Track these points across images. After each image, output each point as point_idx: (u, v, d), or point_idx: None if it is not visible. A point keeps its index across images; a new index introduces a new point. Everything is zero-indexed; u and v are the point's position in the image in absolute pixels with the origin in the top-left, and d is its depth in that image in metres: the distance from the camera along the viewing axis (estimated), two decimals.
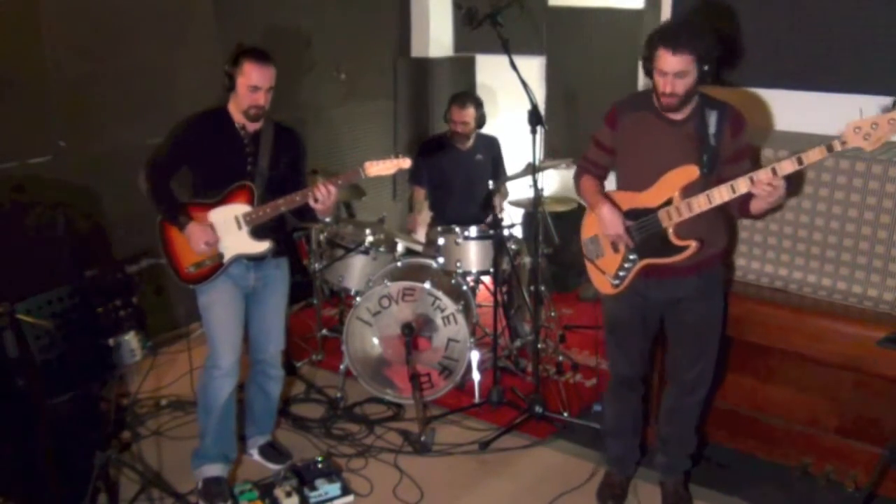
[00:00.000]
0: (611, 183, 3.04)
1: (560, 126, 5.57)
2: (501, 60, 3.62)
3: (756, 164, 2.82)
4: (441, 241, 4.15)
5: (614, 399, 3.23)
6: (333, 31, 5.40)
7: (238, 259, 3.14)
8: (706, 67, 2.64)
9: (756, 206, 2.70)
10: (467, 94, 4.65)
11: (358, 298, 4.01)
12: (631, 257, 2.90)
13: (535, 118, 3.48)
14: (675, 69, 2.62)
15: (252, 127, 3.13)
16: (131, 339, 3.02)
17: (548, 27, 5.61)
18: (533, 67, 5.56)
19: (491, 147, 4.73)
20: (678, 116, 2.76)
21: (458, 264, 4.14)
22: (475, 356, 3.96)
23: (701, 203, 2.71)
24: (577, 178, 3.08)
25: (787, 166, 2.54)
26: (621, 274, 2.94)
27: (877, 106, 2.58)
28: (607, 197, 2.92)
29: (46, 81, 3.97)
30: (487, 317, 4.28)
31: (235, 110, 3.09)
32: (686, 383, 3.05)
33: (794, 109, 3.65)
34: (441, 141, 4.69)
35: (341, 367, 4.05)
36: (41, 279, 3.08)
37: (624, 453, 3.28)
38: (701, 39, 2.62)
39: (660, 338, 3.13)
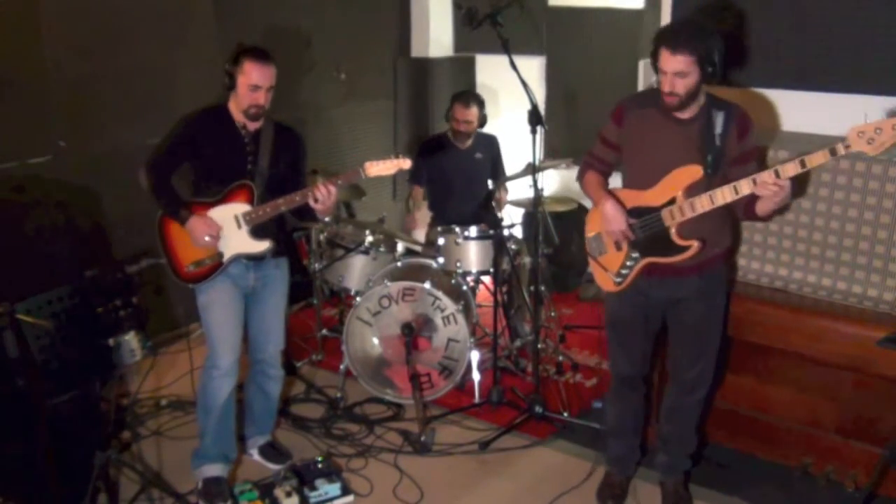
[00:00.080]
0: (616, 181, 3.03)
1: (560, 126, 5.58)
2: (501, 60, 3.62)
3: (763, 166, 2.80)
4: (441, 241, 4.15)
5: (616, 399, 3.23)
6: (333, 31, 5.40)
7: (237, 259, 3.14)
8: (710, 68, 2.62)
9: (762, 207, 2.69)
10: (471, 94, 4.65)
11: (358, 298, 4.01)
12: (633, 255, 2.90)
13: (534, 118, 3.48)
14: (674, 69, 2.62)
15: (252, 126, 3.13)
16: (131, 339, 3.01)
17: (548, 27, 5.61)
18: (533, 67, 5.56)
19: (490, 146, 4.73)
20: (684, 115, 2.76)
21: (458, 264, 4.14)
22: (475, 356, 3.96)
23: (703, 203, 2.70)
24: (582, 173, 3.08)
25: (790, 169, 2.52)
26: (623, 272, 2.94)
27: (881, 108, 2.56)
28: (611, 194, 2.92)
29: (46, 81, 3.97)
30: (487, 317, 4.28)
31: (236, 109, 3.09)
32: (686, 383, 3.05)
33: (794, 109, 3.64)
34: (441, 140, 4.69)
35: (341, 367, 4.05)
36: (41, 279, 3.09)
37: (624, 453, 3.28)
38: (701, 40, 2.61)
39: (661, 337, 3.13)
